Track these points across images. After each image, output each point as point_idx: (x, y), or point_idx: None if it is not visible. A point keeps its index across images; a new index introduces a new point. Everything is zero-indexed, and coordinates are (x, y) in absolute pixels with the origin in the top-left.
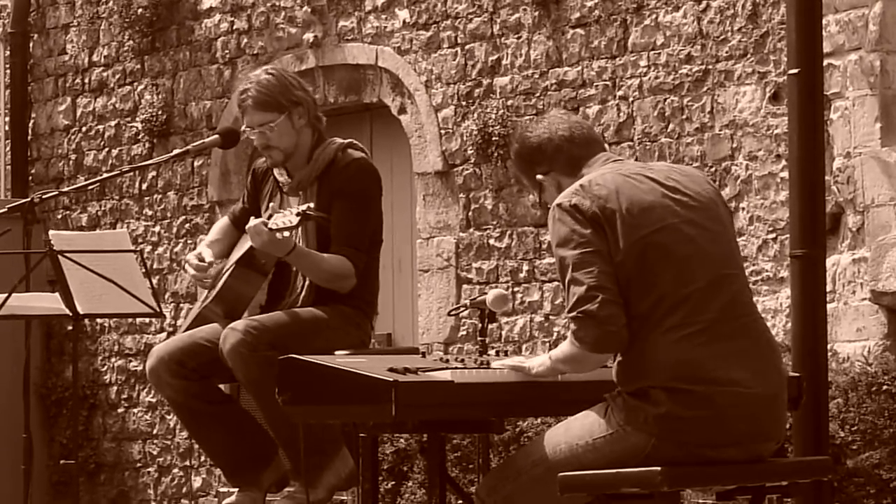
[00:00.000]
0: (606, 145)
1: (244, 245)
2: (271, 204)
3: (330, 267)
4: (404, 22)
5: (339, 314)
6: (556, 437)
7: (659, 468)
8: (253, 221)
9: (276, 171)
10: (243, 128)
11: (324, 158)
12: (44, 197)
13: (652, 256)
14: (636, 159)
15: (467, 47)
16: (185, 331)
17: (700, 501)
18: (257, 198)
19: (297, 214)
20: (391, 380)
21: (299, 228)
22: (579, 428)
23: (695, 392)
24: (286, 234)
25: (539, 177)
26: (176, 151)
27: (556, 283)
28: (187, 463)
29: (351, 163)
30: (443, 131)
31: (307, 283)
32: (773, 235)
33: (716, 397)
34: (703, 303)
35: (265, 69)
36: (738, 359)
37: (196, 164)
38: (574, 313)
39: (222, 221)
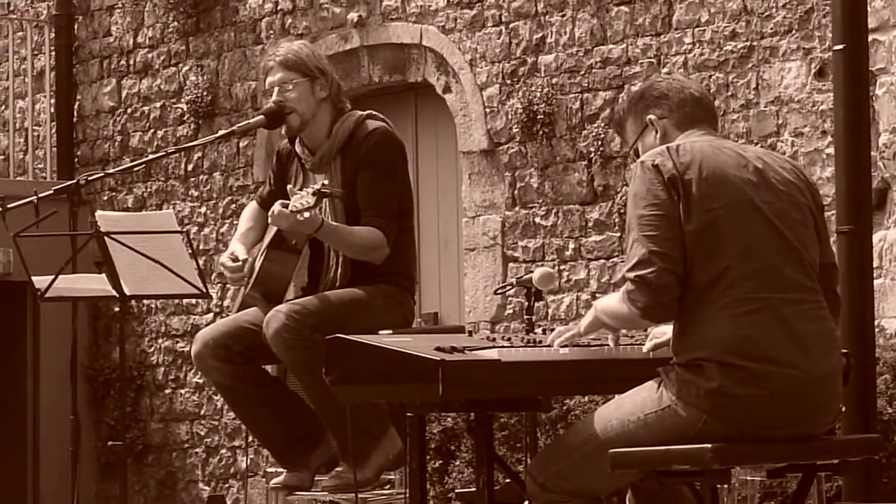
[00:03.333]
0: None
1: (273, 227)
2: (290, 187)
3: (360, 239)
4: (448, 1)
5: (381, 293)
6: (607, 413)
7: (710, 445)
8: (274, 207)
9: (298, 149)
10: (265, 90)
11: (343, 131)
12: (90, 179)
13: (722, 228)
14: None
15: (511, 25)
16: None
17: (750, 478)
18: (283, 178)
19: (314, 193)
20: (438, 359)
21: (326, 206)
22: (631, 404)
23: (749, 369)
24: (306, 214)
25: (651, 117)
26: (221, 132)
27: (602, 261)
28: (235, 443)
29: (371, 132)
30: (488, 110)
31: (341, 260)
32: None
33: (770, 377)
34: (766, 282)
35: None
36: (797, 342)
37: (241, 144)
38: (631, 275)
39: (251, 207)
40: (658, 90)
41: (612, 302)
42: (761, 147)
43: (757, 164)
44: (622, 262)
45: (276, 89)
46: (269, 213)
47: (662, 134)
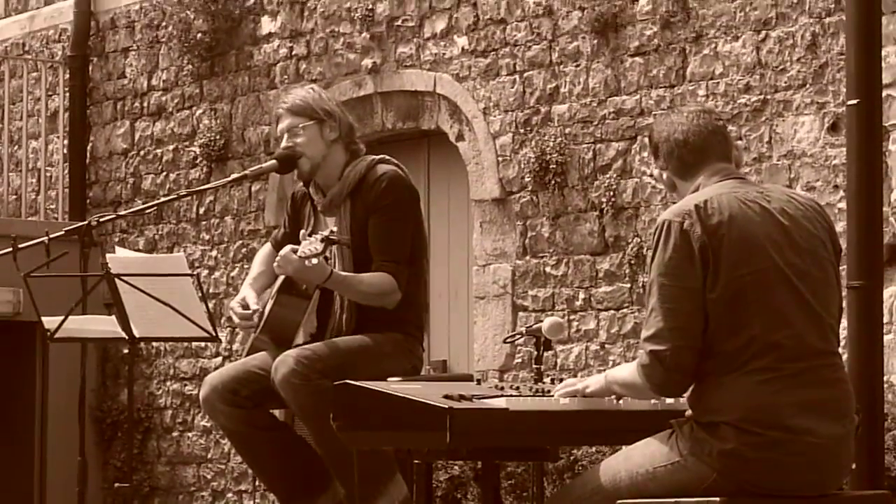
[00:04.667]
0: (734, 150)
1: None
2: (302, 231)
3: (370, 287)
4: (463, 49)
5: (391, 341)
6: (615, 465)
7: (719, 499)
8: (282, 251)
9: (311, 191)
10: (277, 137)
11: (355, 174)
12: (101, 220)
13: (749, 297)
14: None
15: (525, 75)
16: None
17: None
18: (297, 221)
19: (322, 240)
20: (446, 406)
21: (336, 253)
22: (640, 456)
23: (765, 436)
24: (314, 260)
25: (659, 171)
26: (234, 176)
27: (612, 311)
28: (241, 487)
29: (381, 176)
30: (500, 158)
31: (346, 304)
32: None
33: (785, 444)
34: (791, 351)
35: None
36: (815, 409)
37: (254, 188)
38: (647, 347)
39: (265, 249)
40: (653, 140)
41: (625, 372)
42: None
43: (782, 220)
44: (634, 317)
45: (285, 135)
46: (277, 257)
47: (672, 185)
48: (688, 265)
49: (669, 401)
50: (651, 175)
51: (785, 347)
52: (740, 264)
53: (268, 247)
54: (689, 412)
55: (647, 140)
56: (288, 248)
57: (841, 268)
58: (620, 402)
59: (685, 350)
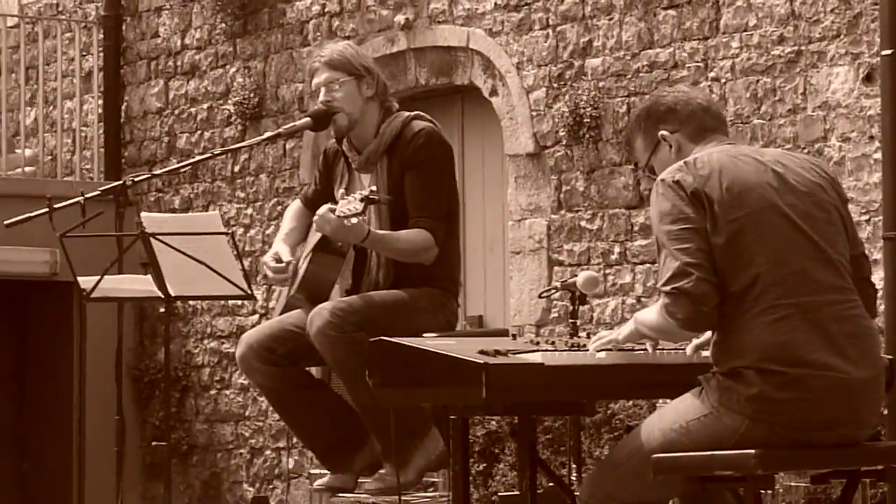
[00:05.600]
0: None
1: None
2: (341, 190)
3: (408, 244)
4: (496, 4)
5: (426, 296)
6: (649, 425)
7: (753, 451)
8: (320, 210)
9: (345, 148)
10: (311, 92)
11: (390, 131)
12: (136, 180)
13: (748, 237)
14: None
15: (559, 29)
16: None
17: (794, 483)
18: (330, 178)
19: (361, 200)
20: (482, 362)
21: (372, 210)
22: (673, 413)
23: (787, 374)
24: (353, 220)
25: (663, 133)
26: (268, 134)
27: (647, 265)
28: (279, 444)
29: (417, 133)
30: (534, 113)
31: (383, 261)
32: (867, 217)
33: (808, 380)
34: (798, 286)
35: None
36: (834, 344)
37: (288, 146)
38: (668, 288)
39: (295, 206)
40: (665, 104)
41: (652, 315)
42: (807, 152)
43: (776, 169)
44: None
45: (322, 90)
46: (315, 216)
47: (677, 149)
48: (688, 209)
49: (699, 342)
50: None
51: (792, 283)
52: (734, 208)
53: (297, 203)
54: (714, 367)
55: (646, 107)
56: (326, 207)
57: (877, 219)
58: (656, 353)
59: (704, 282)
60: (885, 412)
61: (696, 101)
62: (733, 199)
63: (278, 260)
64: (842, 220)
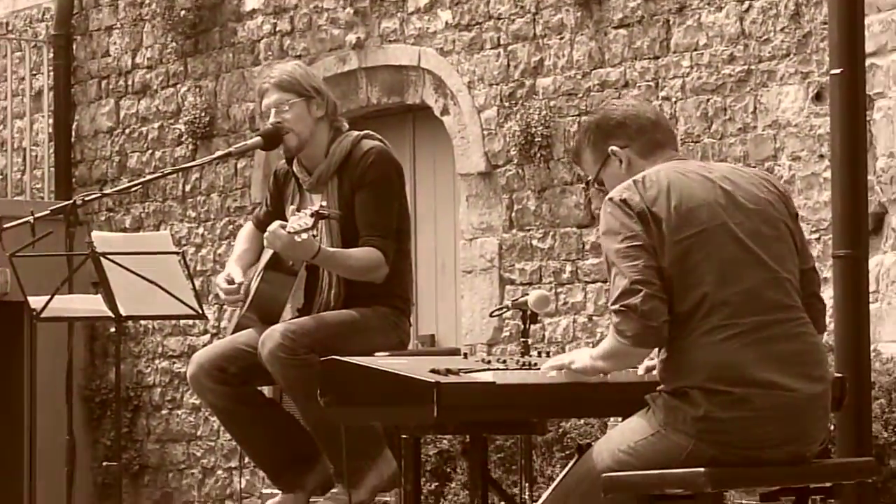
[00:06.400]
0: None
1: (270, 249)
2: (291, 207)
3: (358, 262)
4: (447, 23)
5: (378, 315)
6: (598, 448)
7: (703, 469)
8: (271, 227)
9: (296, 169)
10: (261, 112)
11: (340, 151)
12: (87, 199)
13: (696, 256)
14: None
15: (510, 48)
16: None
17: (744, 501)
18: (280, 199)
19: (312, 215)
20: (433, 381)
21: (323, 229)
22: (620, 434)
23: (733, 393)
24: (304, 235)
25: (613, 148)
26: (219, 153)
27: (599, 283)
28: (231, 464)
29: (367, 152)
30: (486, 132)
31: (335, 280)
32: (817, 235)
33: (754, 399)
34: (746, 305)
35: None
36: (780, 363)
37: (239, 165)
38: (616, 306)
39: (247, 228)
40: (614, 119)
41: (604, 342)
42: (757, 168)
43: (724, 186)
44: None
45: (272, 111)
46: (266, 232)
47: (627, 164)
48: (637, 227)
49: (651, 363)
50: (577, 160)
51: (739, 303)
52: (682, 227)
53: (250, 225)
54: (661, 386)
55: (595, 121)
56: (276, 223)
57: (827, 237)
58: (608, 374)
59: (652, 298)
60: (835, 430)
61: (646, 116)
62: (681, 219)
63: (230, 281)
64: (791, 235)
